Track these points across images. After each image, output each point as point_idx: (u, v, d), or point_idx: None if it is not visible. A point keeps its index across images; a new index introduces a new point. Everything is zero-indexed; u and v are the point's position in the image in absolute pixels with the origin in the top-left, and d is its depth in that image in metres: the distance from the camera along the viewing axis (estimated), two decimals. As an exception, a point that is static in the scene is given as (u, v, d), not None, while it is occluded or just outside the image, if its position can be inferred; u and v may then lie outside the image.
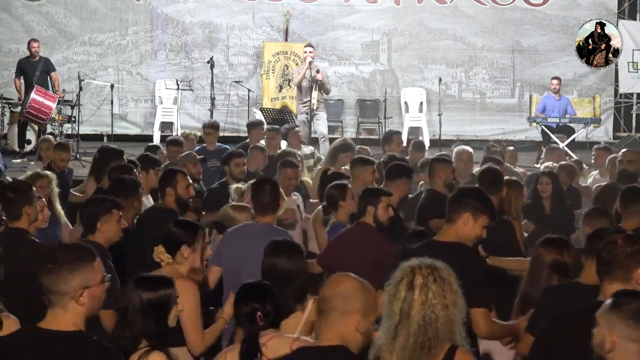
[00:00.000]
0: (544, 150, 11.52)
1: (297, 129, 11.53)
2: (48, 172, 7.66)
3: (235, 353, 3.82)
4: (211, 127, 11.32)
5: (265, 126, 11.68)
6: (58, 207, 7.32)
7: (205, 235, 4.84)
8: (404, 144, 11.60)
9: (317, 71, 12.80)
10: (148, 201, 7.25)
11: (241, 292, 3.98)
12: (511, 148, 11.56)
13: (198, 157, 8.96)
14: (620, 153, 8.89)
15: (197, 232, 4.76)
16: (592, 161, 10.91)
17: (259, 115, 14.98)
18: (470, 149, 9.52)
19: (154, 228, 5.90)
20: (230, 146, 11.09)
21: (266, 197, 5.68)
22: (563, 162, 9.64)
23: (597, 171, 10.40)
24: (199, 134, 12.12)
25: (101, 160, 7.75)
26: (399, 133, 11.33)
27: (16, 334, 3.41)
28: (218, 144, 11.23)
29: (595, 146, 11.11)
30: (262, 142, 10.92)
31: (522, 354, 4.46)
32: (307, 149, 11.02)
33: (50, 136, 11.90)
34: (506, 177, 6.97)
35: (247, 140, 11.41)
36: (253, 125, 11.70)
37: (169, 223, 6.02)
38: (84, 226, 5.34)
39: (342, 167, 9.16)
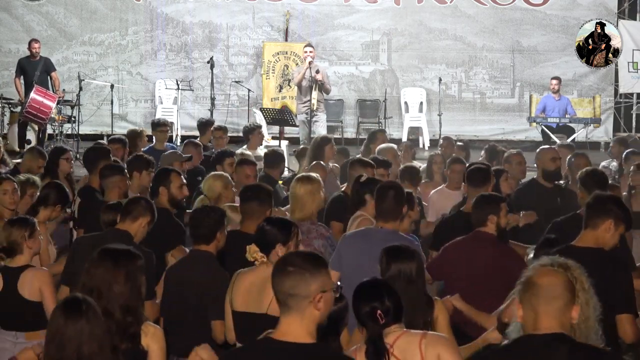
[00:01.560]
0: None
1: (260, 129, 11.37)
2: (35, 178, 7.51)
3: (363, 353, 3.72)
4: (164, 124, 11.25)
5: (214, 125, 11.64)
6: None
7: (299, 233, 4.78)
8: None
9: (317, 71, 12.79)
10: None
11: (358, 292, 3.84)
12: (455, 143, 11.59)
13: (184, 156, 8.96)
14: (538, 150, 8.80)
15: (291, 231, 4.69)
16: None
17: (259, 116, 14.98)
18: (395, 146, 9.51)
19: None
20: (232, 146, 11.09)
21: (388, 203, 5.48)
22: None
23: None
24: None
25: (88, 159, 7.78)
26: (383, 132, 11.16)
27: (254, 346, 3.33)
28: (166, 143, 11.16)
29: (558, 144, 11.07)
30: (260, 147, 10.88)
31: None
32: (264, 151, 10.87)
33: None
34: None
35: (197, 139, 11.35)
36: (205, 124, 11.72)
37: (164, 222, 5.96)
38: (200, 236, 5.17)
39: (330, 162, 9.21)
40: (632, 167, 8.46)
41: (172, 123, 15.13)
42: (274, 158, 8.77)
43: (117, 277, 3.94)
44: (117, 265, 3.97)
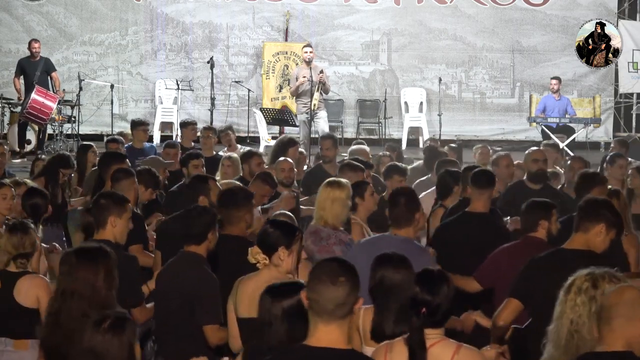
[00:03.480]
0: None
1: (229, 131, 11.21)
2: (27, 181, 7.47)
3: (399, 352, 3.61)
4: (145, 123, 11.23)
5: (198, 125, 11.53)
6: None
7: (302, 238, 4.72)
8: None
9: (321, 71, 12.80)
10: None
11: (418, 278, 3.70)
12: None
13: (167, 162, 8.86)
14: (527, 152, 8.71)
15: (295, 234, 4.61)
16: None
17: (259, 116, 14.98)
18: (367, 148, 9.34)
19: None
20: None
21: (400, 209, 5.37)
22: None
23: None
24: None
25: (101, 163, 7.71)
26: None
27: (291, 353, 3.33)
28: (145, 143, 11.11)
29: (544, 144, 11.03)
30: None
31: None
32: (243, 151, 10.66)
33: None
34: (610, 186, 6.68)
35: (179, 140, 11.26)
36: (184, 124, 11.66)
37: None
38: (191, 236, 5.03)
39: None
40: (630, 171, 8.42)
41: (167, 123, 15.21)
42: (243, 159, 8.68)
43: (97, 277, 3.96)
44: (96, 264, 3.98)
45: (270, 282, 4.32)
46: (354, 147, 9.27)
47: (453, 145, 11.58)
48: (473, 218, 6.05)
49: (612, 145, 11.51)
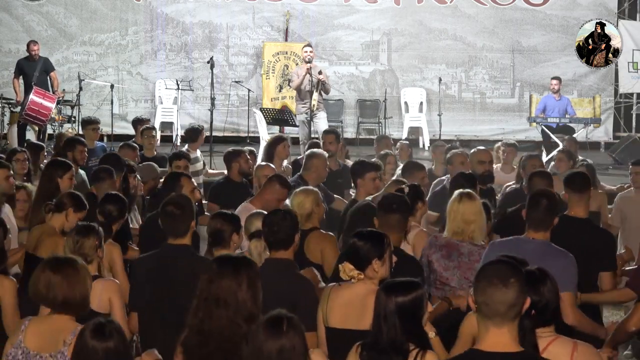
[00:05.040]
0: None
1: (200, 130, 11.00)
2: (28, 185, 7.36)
3: None
4: (96, 122, 11.17)
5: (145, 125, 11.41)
6: None
7: (391, 243, 4.54)
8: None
9: (320, 72, 12.78)
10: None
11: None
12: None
13: (162, 169, 8.82)
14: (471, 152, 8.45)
15: (385, 243, 4.46)
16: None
17: (259, 116, 14.99)
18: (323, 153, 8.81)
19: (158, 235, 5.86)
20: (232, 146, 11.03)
21: (542, 212, 5.10)
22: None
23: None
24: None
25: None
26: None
27: (462, 358, 3.32)
28: (97, 142, 11.00)
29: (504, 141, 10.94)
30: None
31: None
32: (195, 152, 10.60)
33: None
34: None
35: (134, 139, 11.20)
36: (138, 122, 11.64)
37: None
38: (279, 241, 4.82)
39: (283, 161, 9.17)
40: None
41: (172, 123, 15.24)
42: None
43: (240, 286, 3.85)
44: (239, 272, 3.87)
45: (368, 295, 4.22)
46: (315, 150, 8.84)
47: (405, 142, 11.55)
48: (576, 223, 5.77)
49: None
